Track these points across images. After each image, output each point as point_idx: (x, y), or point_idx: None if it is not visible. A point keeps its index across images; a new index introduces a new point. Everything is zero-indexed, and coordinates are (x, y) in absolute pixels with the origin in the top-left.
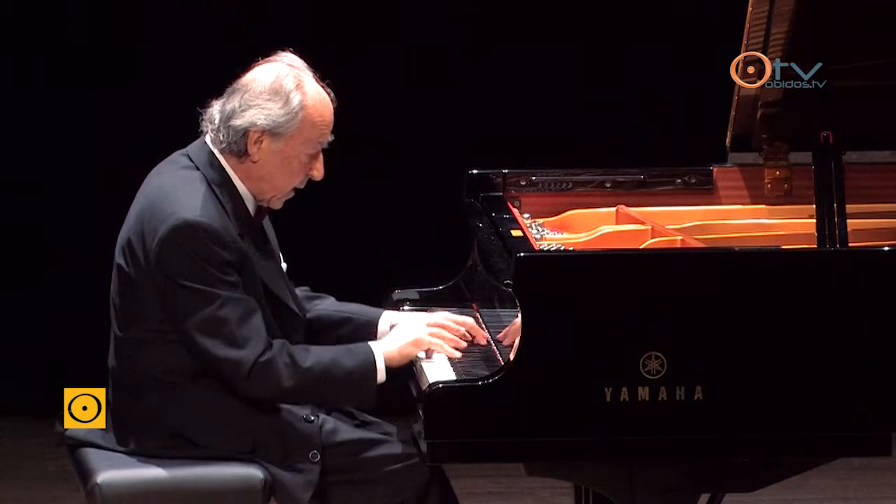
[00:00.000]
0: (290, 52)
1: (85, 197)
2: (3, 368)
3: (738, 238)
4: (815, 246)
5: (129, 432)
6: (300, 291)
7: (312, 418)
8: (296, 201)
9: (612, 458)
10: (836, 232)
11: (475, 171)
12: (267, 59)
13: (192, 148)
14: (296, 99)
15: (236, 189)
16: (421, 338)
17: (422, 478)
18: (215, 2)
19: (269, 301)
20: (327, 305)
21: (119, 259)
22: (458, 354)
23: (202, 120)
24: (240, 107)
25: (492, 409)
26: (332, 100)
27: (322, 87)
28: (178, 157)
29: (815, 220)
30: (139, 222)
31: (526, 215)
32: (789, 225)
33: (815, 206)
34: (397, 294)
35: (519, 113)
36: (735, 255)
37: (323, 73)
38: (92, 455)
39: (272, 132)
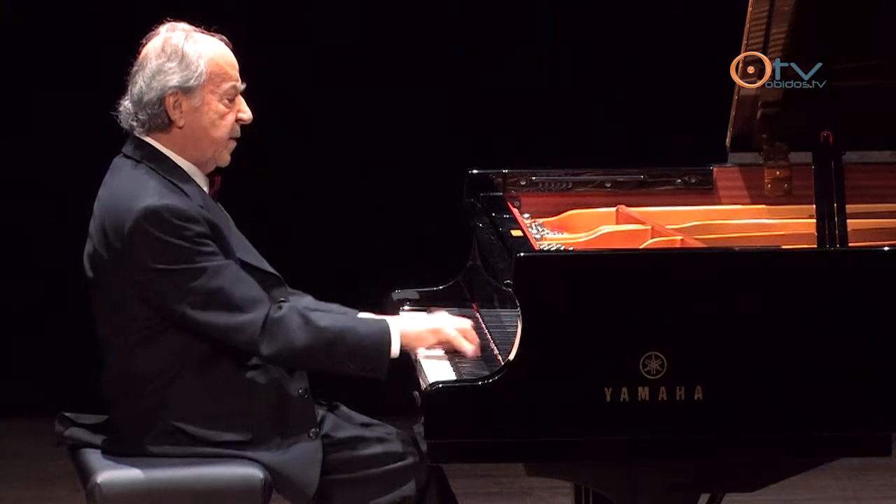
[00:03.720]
0: (169, 20)
1: (86, 197)
2: (3, 368)
3: (738, 238)
4: (815, 246)
5: (128, 434)
6: None
7: (306, 396)
8: (296, 200)
9: (612, 458)
10: (836, 232)
11: (475, 171)
12: (150, 34)
13: (127, 147)
14: (191, 49)
15: (182, 168)
16: (442, 328)
17: (421, 478)
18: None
19: (242, 268)
20: (304, 304)
21: (90, 273)
22: (470, 349)
23: (120, 121)
24: (145, 84)
25: (492, 409)
26: (226, 44)
27: (212, 35)
28: (117, 161)
29: (815, 220)
30: (101, 231)
31: (526, 215)
32: (789, 225)
33: (815, 206)
34: (397, 294)
35: (519, 113)
36: (735, 255)
37: (323, 73)
38: (92, 455)
39: (184, 89)
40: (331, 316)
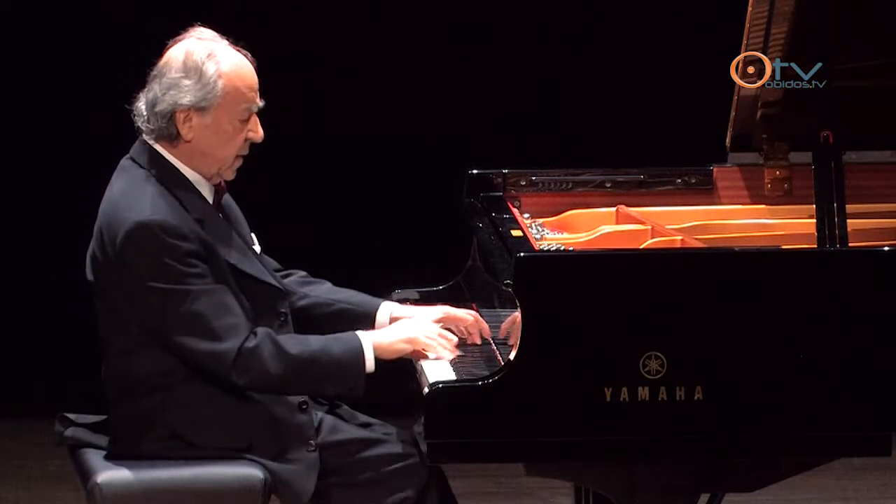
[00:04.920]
0: (199, 25)
1: (86, 195)
2: (3, 368)
3: (738, 238)
4: (815, 246)
5: (128, 435)
6: (296, 277)
7: (305, 406)
8: (296, 200)
9: (612, 458)
10: (836, 232)
11: (475, 171)
12: (176, 39)
13: (134, 150)
14: (210, 69)
15: (185, 177)
16: (416, 337)
17: (421, 478)
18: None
19: (241, 280)
20: (322, 292)
21: (90, 275)
22: (448, 357)
23: (133, 116)
24: (160, 92)
25: (492, 409)
26: (250, 60)
27: (237, 50)
28: (124, 162)
29: (815, 220)
30: (99, 236)
31: (526, 215)
32: (789, 225)
33: (815, 206)
34: (397, 294)
35: (519, 113)
36: (735, 255)
37: (322, 73)
38: (92, 455)
39: (197, 108)
40: (304, 341)
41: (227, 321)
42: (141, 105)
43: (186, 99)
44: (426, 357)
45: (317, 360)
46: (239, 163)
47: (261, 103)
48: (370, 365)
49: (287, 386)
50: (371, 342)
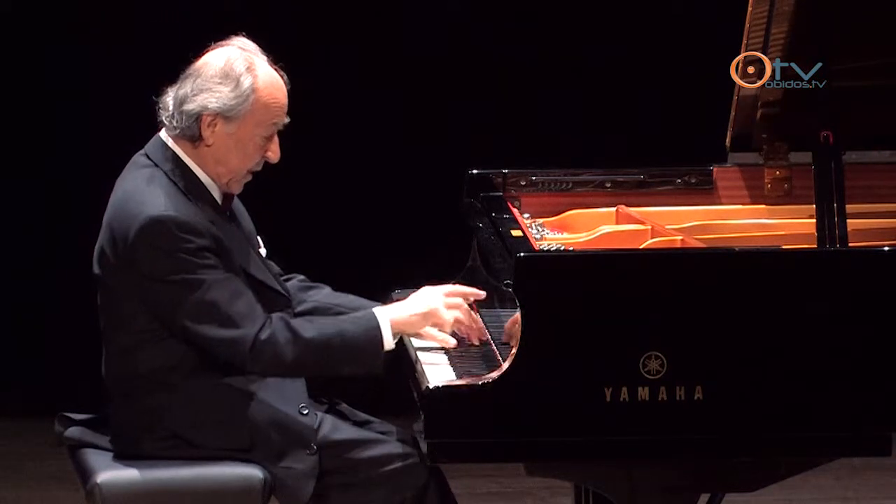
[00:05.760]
0: (243, 35)
1: (86, 194)
2: (2, 369)
3: (738, 238)
4: (815, 246)
5: (128, 434)
6: (296, 281)
7: (306, 411)
8: (296, 200)
9: (612, 458)
10: (836, 232)
11: (475, 171)
12: (219, 43)
13: (150, 146)
14: (247, 82)
15: (198, 178)
16: (436, 309)
17: (421, 478)
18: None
19: (250, 283)
20: (323, 297)
21: (97, 270)
22: (453, 342)
23: (158, 108)
24: (192, 91)
25: (492, 409)
26: (285, 82)
27: (275, 69)
28: (137, 158)
29: (815, 220)
30: (109, 230)
31: (526, 215)
32: (789, 225)
33: (815, 206)
34: (397, 294)
35: (519, 113)
36: (735, 255)
37: (322, 73)
38: (92, 455)
39: (224, 115)
40: (318, 323)
41: (242, 308)
42: (168, 99)
43: (217, 104)
44: (439, 335)
45: (333, 342)
46: (249, 178)
47: (286, 120)
48: (388, 343)
49: (304, 370)
50: (388, 319)
